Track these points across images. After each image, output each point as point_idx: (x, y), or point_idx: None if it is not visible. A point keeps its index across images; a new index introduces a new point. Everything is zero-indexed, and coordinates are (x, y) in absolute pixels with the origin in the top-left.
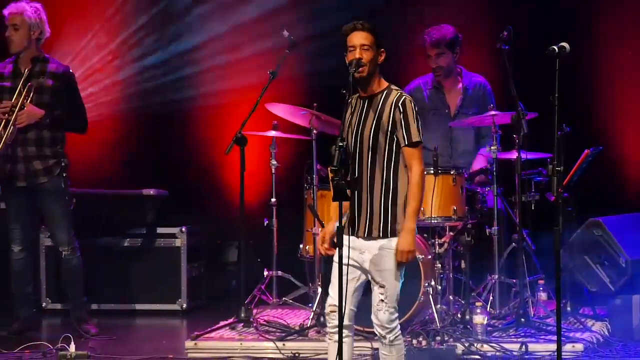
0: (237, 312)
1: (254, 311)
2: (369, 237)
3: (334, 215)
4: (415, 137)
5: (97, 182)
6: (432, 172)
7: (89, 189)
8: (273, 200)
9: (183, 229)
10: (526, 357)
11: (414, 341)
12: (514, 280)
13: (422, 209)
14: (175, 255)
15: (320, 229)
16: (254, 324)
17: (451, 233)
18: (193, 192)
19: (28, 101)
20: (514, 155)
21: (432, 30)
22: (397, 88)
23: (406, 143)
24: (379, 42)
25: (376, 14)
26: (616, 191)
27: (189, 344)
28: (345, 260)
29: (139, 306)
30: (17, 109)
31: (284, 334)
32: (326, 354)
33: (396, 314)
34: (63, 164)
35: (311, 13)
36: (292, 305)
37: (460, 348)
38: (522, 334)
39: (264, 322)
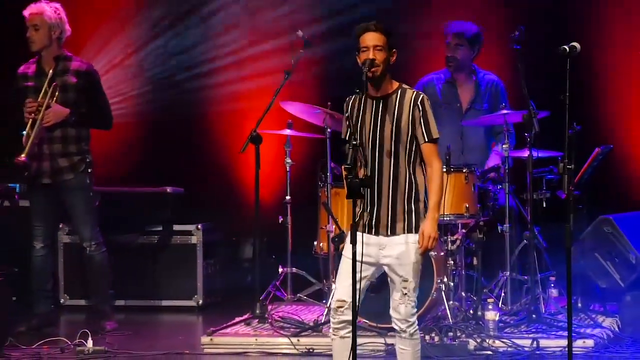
0: (252, 308)
1: (269, 307)
2: (393, 234)
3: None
4: (434, 134)
5: (114, 181)
6: (444, 170)
7: (107, 187)
8: (288, 198)
9: (199, 227)
10: (537, 352)
11: (427, 337)
12: (526, 277)
13: None
14: (191, 252)
15: (334, 227)
16: (269, 320)
17: (463, 230)
18: (209, 190)
19: (54, 100)
20: (525, 153)
21: (458, 21)
22: (409, 87)
23: (426, 140)
24: (391, 42)
25: (388, 14)
26: (626, 189)
27: (204, 339)
28: (357, 258)
29: (155, 302)
30: (43, 108)
31: (298, 330)
32: None
33: (416, 308)
34: (88, 161)
35: (326, 13)
36: (306, 301)
37: (472, 344)
38: (534, 330)
39: (279, 318)
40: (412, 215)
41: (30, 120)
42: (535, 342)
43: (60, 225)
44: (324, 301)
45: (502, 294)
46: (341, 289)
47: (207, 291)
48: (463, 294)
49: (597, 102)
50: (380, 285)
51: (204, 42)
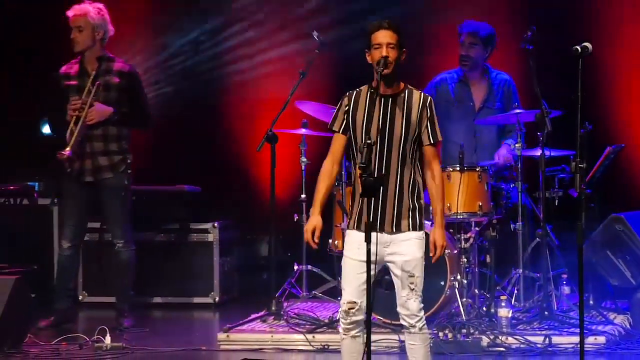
0: (268, 305)
1: (285, 304)
2: (398, 231)
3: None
4: (439, 137)
5: (133, 179)
6: (458, 169)
7: None
8: (303, 196)
9: (215, 225)
10: (550, 349)
11: (441, 334)
12: (538, 275)
13: (448, 204)
14: (208, 250)
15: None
16: (285, 317)
17: (477, 228)
18: (225, 188)
19: (97, 100)
20: (538, 152)
21: (472, 21)
22: (414, 87)
23: (431, 142)
24: (402, 41)
25: (402, 14)
26: (638, 187)
27: (221, 336)
28: (365, 257)
29: (172, 299)
30: (87, 107)
31: (313, 327)
32: None
33: (422, 303)
34: (128, 162)
35: (342, 13)
36: (321, 298)
37: (485, 340)
38: (546, 327)
39: (294, 315)
40: (416, 212)
41: (74, 117)
42: (547, 339)
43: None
44: (339, 298)
45: (515, 291)
46: (350, 290)
47: (224, 288)
48: (476, 291)
49: (608, 101)
50: (388, 284)
51: (222, 43)
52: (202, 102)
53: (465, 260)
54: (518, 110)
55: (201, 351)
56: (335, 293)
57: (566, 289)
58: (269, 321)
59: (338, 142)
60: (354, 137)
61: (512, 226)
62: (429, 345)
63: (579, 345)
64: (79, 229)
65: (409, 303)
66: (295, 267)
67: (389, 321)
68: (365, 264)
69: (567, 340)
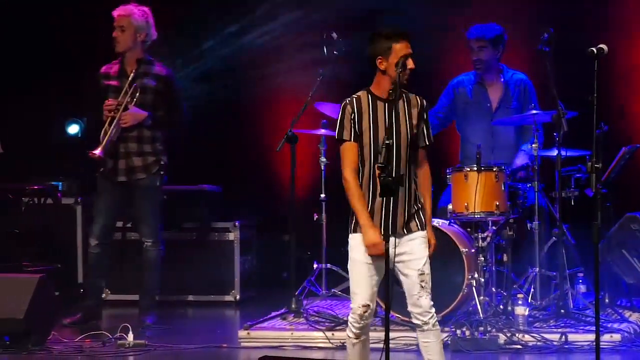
0: (287, 303)
1: (304, 302)
2: (408, 232)
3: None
4: (431, 138)
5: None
6: (475, 169)
7: None
8: (322, 195)
9: (236, 224)
10: (566, 346)
11: (458, 331)
12: (554, 273)
13: (466, 204)
14: (229, 248)
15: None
16: (304, 315)
17: (494, 227)
18: (246, 188)
19: (133, 101)
20: (554, 152)
21: (478, 25)
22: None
23: (427, 144)
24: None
25: (416, 16)
26: None
27: (242, 333)
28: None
29: (194, 297)
30: (122, 108)
31: (333, 324)
32: (375, 342)
33: (432, 300)
34: (162, 163)
35: (361, 14)
36: (340, 296)
37: (502, 338)
38: (562, 325)
39: (314, 313)
40: (420, 212)
41: (109, 118)
42: (563, 337)
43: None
44: None
45: (532, 290)
46: (364, 294)
47: (244, 286)
48: (493, 289)
49: (624, 102)
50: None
51: (244, 45)
52: (223, 103)
53: (483, 259)
54: (534, 111)
55: (222, 348)
56: None
57: (582, 287)
58: (289, 319)
59: (353, 151)
60: (360, 143)
61: (528, 225)
62: (442, 341)
63: (594, 343)
64: (107, 228)
65: (421, 300)
66: (315, 266)
67: (408, 319)
68: (379, 268)
69: (583, 338)
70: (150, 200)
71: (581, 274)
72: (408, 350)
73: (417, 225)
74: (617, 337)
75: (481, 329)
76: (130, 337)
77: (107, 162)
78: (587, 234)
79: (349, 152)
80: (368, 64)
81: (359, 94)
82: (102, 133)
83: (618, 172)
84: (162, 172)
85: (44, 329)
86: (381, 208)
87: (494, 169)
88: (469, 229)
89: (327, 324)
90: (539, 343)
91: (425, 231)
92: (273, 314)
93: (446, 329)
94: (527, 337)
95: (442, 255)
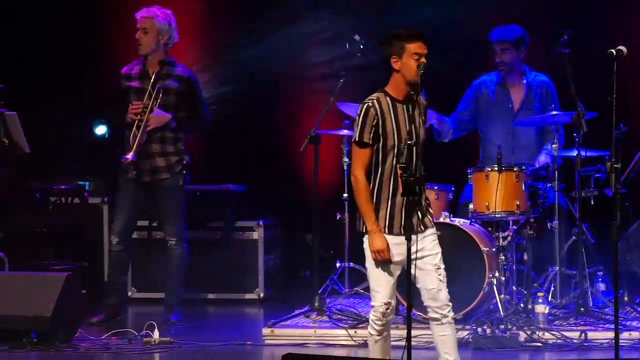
0: (311, 301)
1: (327, 300)
2: (425, 229)
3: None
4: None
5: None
6: (496, 169)
7: None
8: (345, 195)
9: (260, 223)
10: (585, 344)
11: (479, 329)
12: (574, 272)
13: (487, 203)
14: (253, 247)
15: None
16: (327, 313)
17: (514, 227)
18: (270, 187)
19: (157, 103)
20: (574, 153)
21: (499, 27)
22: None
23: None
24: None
25: (432, 16)
26: None
27: (266, 331)
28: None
29: (219, 295)
30: (148, 111)
31: (355, 322)
32: (397, 340)
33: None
34: (185, 163)
35: (382, 15)
36: (363, 294)
37: (522, 336)
38: (582, 323)
39: (337, 311)
40: (429, 208)
41: (137, 121)
42: (583, 334)
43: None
44: None
45: (552, 288)
46: (384, 292)
47: (268, 285)
48: (514, 287)
49: None
50: None
51: (268, 46)
52: (249, 103)
53: (503, 257)
54: (555, 112)
55: (246, 346)
56: None
57: (601, 286)
58: (312, 317)
59: (369, 154)
60: (384, 144)
61: (548, 225)
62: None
63: (613, 341)
64: (128, 226)
65: (439, 294)
66: (338, 265)
67: (428, 316)
68: (397, 265)
69: (602, 336)
70: (174, 200)
71: (600, 273)
72: (430, 347)
73: (430, 222)
74: (635, 334)
75: (502, 326)
76: (156, 334)
77: (136, 164)
78: (606, 233)
79: (365, 155)
80: (384, 65)
81: (376, 95)
82: (131, 137)
83: (637, 172)
84: (184, 172)
85: (70, 326)
86: (402, 207)
87: (515, 169)
88: (489, 228)
89: (349, 321)
90: (558, 341)
91: (434, 227)
92: (296, 312)
93: (467, 326)
94: (547, 335)
95: (464, 254)
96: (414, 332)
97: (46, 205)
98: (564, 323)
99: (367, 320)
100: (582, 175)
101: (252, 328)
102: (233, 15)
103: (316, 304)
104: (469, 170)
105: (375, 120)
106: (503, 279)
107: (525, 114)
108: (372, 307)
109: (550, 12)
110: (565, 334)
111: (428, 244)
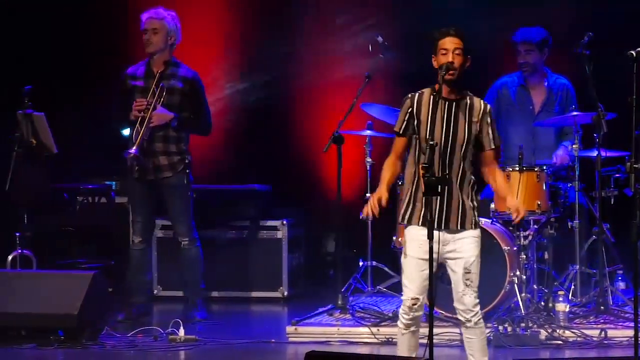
0: (334, 300)
1: (350, 299)
2: (462, 229)
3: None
4: (498, 142)
5: (205, 179)
6: (517, 169)
7: (198, 185)
8: (368, 195)
9: (284, 222)
10: (605, 342)
11: (500, 327)
12: (594, 271)
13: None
14: (277, 246)
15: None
16: (350, 311)
17: (535, 226)
18: (294, 187)
19: (161, 101)
20: (594, 153)
21: (524, 28)
22: (473, 95)
23: (492, 147)
24: (468, 48)
25: (460, 18)
26: None
27: (289, 329)
28: (427, 254)
29: (243, 293)
30: (151, 108)
31: (378, 320)
32: (419, 337)
33: (478, 299)
34: (187, 161)
35: (405, 15)
36: (386, 293)
37: (543, 334)
38: (602, 321)
39: (360, 309)
40: (474, 211)
41: (140, 117)
42: (603, 332)
43: (155, 221)
44: (401, 294)
45: (572, 287)
46: (413, 287)
47: (292, 283)
48: (535, 286)
49: None
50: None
51: (292, 47)
52: (274, 104)
53: (524, 256)
54: (575, 113)
55: (270, 343)
56: (399, 288)
57: (621, 285)
58: (335, 315)
59: (399, 143)
60: (418, 138)
61: (569, 224)
62: (485, 338)
63: (633, 339)
64: (146, 224)
65: (464, 298)
66: (361, 263)
67: (451, 315)
68: (427, 262)
69: (622, 334)
70: (180, 199)
71: (620, 272)
72: (452, 345)
73: (471, 224)
74: None
75: (523, 325)
76: (182, 332)
77: (142, 161)
78: (626, 233)
79: (396, 143)
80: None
81: (424, 90)
82: (134, 132)
83: None
84: (187, 171)
85: (97, 324)
86: (436, 204)
87: (536, 169)
88: (511, 228)
89: (372, 320)
90: (579, 339)
91: (478, 230)
92: (320, 310)
93: (489, 324)
94: (567, 333)
95: (485, 253)
96: (435, 330)
97: (74, 204)
98: (584, 321)
99: (390, 319)
100: (602, 176)
101: (276, 326)
102: (261, 14)
103: (339, 302)
104: None
105: (410, 110)
106: (524, 277)
107: (545, 116)
108: (402, 300)
109: (570, 11)
110: (586, 332)
111: (463, 246)
